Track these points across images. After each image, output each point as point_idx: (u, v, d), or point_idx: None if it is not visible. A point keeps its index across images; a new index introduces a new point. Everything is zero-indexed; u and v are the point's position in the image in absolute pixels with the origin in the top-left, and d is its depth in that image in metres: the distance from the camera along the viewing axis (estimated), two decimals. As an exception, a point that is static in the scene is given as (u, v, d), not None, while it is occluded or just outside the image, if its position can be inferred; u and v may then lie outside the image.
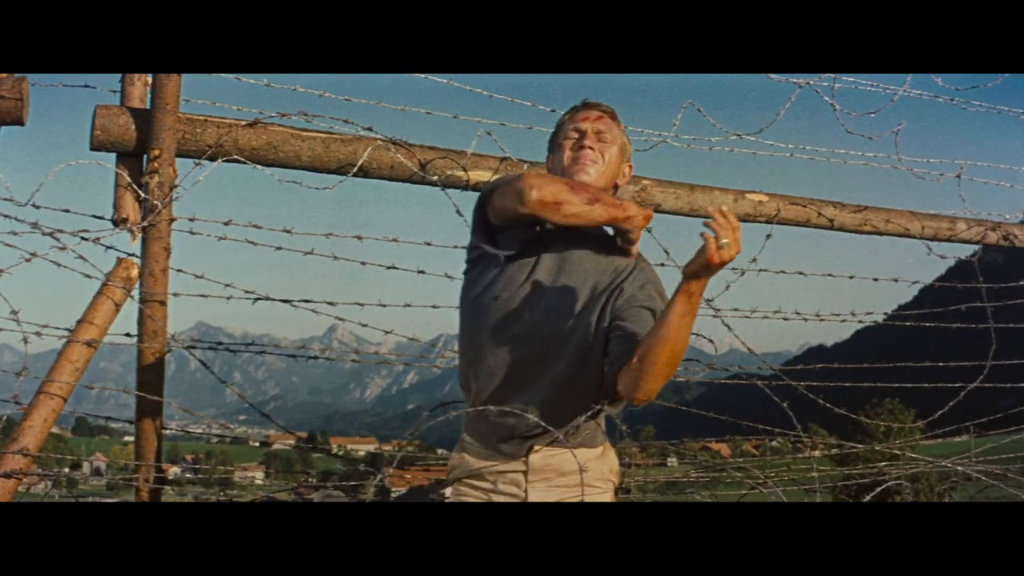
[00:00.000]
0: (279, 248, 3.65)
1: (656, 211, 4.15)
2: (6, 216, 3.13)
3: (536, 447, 2.67)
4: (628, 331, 2.58)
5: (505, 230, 2.70)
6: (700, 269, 2.29)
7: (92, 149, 3.28)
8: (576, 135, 2.75)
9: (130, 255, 3.37)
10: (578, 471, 2.70)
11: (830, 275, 5.06)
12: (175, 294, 3.46)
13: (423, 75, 3.69)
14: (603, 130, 2.75)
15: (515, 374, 2.66)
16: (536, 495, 2.68)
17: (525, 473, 2.69)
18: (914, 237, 4.88)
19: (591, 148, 2.72)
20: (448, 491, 2.80)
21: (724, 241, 2.23)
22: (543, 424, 2.61)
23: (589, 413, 2.66)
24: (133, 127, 3.27)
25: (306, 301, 3.82)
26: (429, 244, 4.15)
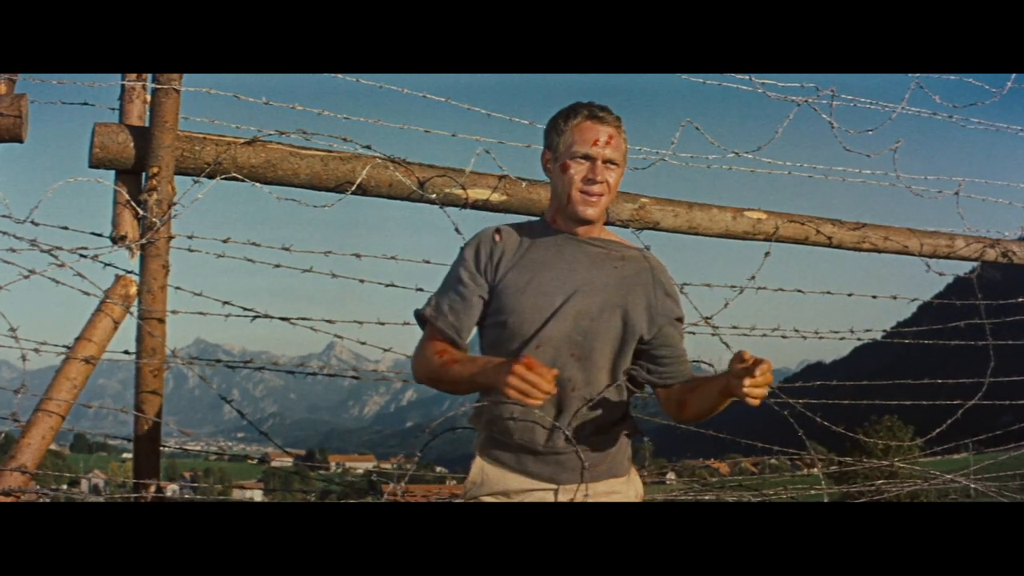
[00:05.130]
0: (277, 266, 3.65)
1: (655, 229, 4.17)
2: (5, 233, 3.13)
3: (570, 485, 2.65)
4: (671, 352, 2.70)
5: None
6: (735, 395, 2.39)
7: (91, 166, 3.28)
8: (585, 163, 2.62)
9: (128, 272, 3.37)
10: (608, 494, 2.69)
11: (829, 292, 5.08)
12: (173, 311, 3.46)
13: (422, 94, 3.70)
14: (612, 157, 2.63)
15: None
16: None
17: (555, 491, 2.65)
18: (913, 254, 4.88)
19: (600, 181, 2.63)
20: None
21: (754, 403, 2.32)
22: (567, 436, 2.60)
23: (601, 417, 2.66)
24: (132, 145, 3.27)
25: (304, 319, 3.82)
26: (428, 262, 4.14)
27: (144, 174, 3.30)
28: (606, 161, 2.63)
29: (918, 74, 4.27)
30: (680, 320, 2.74)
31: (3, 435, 3.17)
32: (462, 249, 2.77)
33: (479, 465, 2.73)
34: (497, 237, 2.75)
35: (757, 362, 2.27)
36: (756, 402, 2.30)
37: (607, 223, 3.96)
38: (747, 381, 2.26)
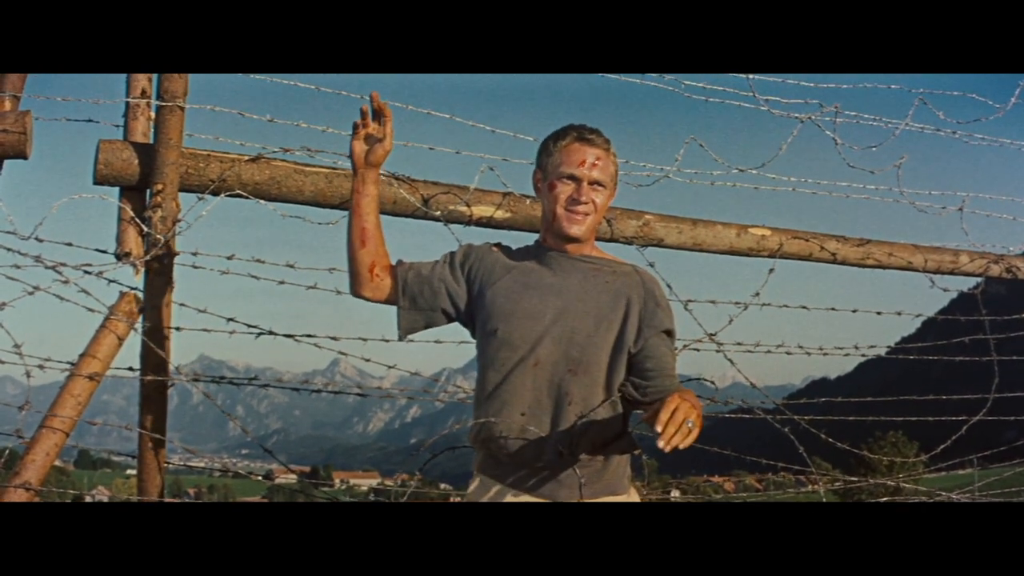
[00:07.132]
0: (282, 282, 3.66)
1: (659, 246, 4.16)
2: (9, 249, 3.13)
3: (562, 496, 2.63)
4: (655, 364, 2.63)
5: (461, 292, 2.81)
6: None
7: (95, 183, 3.28)
8: (571, 184, 2.70)
9: (133, 289, 3.37)
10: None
11: (833, 309, 5.07)
12: (178, 328, 3.46)
13: (426, 111, 3.71)
14: (598, 178, 2.70)
15: (534, 405, 2.64)
16: None
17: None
18: (917, 270, 4.88)
19: (585, 202, 2.70)
20: None
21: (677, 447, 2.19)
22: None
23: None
24: (136, 161, 3.27)
25: (309, 335, 3.82)
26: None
27: (148, 191, 3.30)
28: (592, 182, 2.70)
29: (922, 88, 4.27)
30: (669, 334, 2.72)
31: (7, 451, 3.17)
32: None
33: (476, 484, 2.75)
34: (494, 249, 2.86)
35: (673, 416, 2.16)
36: (677, 446, 2.16)
37: (610, 240, 3.97)
38: (660, 443, 2.13)
